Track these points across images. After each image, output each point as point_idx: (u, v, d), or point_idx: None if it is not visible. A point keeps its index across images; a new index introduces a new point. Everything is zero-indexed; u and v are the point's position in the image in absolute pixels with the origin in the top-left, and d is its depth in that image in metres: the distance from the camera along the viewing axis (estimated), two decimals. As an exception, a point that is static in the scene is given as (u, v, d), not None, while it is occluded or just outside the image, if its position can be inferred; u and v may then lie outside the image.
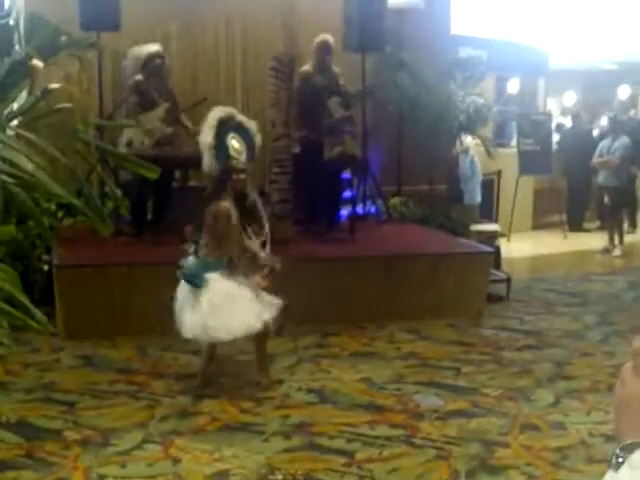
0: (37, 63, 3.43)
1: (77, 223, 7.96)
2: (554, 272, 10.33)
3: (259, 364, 5.68)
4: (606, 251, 11.63)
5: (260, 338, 5.54)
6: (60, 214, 7.95)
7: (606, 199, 11.82)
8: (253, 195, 5.74)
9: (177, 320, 5.40)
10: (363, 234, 8.33)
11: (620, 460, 1.04)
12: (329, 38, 8.35)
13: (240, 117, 5.71)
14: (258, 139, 5.75)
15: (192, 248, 5.45)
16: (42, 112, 2.88)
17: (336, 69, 8.45)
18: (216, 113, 5.60)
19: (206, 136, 5.53)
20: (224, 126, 5.56)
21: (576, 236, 12.90)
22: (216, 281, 5.32)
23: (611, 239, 11.66)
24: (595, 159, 11.90)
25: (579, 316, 7.82)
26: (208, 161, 5.54)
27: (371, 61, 9.52)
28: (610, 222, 11.93)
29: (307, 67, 8.35)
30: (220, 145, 5.49)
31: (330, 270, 7.20)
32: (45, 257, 7.17)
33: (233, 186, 5.51)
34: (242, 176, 5.55)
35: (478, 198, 11.35)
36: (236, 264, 5.40)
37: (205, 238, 5.44)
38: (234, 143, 5.52)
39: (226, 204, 5.38)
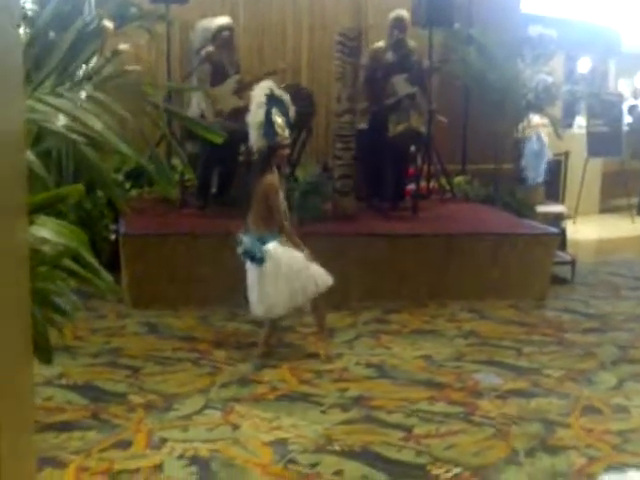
0: (107, 24, 3.47)
1: (143, 194, 8.08)
2: (620, 256, 10.16)
3: (318, 334, 5.79)
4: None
5: (318, 307, 5.63)
6: (127, 185, 8.06)
7: None
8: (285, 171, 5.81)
9: (248, 298, 5.56)
10: (426, 212, 8.29)
11: None
12: (402, 14, 8.28)
13: (277, 90, 5.67)
14: (292, 112, 5.69)
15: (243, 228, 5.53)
16: (111, 73, 2.92)
17: (412, 44, 8.37)
18: (262, 90, 5.57)
19: (256, 115, 5.50)
20: (269, 102, 5.55)
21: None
22: (276, 250, 5.40)
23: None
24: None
25: (644, 300, 7.69)
26: (257, 139, 5.54)
27: (439, 36, 9.43)
28: None
29: (380, 43, 8.29)
30: (268, 122, 5.49)
31: (393, 247, 7.18)
32: (112, 226, 7.28)
33: (278, 162, 5.55)
34: (285, 151, 5.64)
35: (540, 179, 11.16)
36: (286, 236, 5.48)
37: (255, 214, 5.53)
38: (277, 118, 5.51)
39: (274, 178, 5.44)
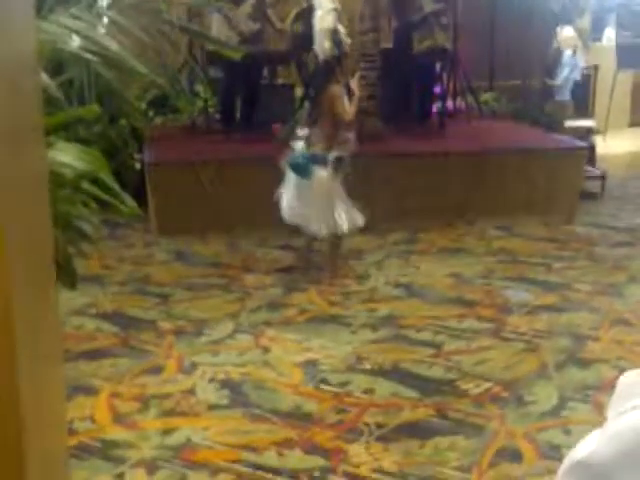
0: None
1: (167, 122, 8.04)
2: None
3: (331, 265, 5.78)
4: None
5: (338, 241, 5.65)
6: (151, 113, 8.02)
7: None
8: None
9: (280, 204, 5.54)
10: (453, 130, 8.18)
11: None
12: None
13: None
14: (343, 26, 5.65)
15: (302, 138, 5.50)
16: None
17: None
18: (330, 1, 5.49)
19: (325, 21, 5.39)
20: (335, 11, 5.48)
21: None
22: (322, 177, 5.37)
23: None
24: None
25: (676, 212, 7.61)
26: (328, 46, 5.41)
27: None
28: None
29: None
30: (335, 30, 5.39)
31: (419, 166, 7.11)
32: (137, 155, 7.26)
33: (342, 71, 5.45)
34: (348, 60, 5.56)
35: (567, 95, 10.90)
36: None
37: (320, 130, 5.44)
38: (340, 28, 5.43)
39: (339, 88, 5.38)
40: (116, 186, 2.69)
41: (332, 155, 5.38)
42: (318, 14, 5.43)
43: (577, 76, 10.86)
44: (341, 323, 4.92)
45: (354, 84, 5.49)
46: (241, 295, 5.40)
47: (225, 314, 5.04)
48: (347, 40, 5.42)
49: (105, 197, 2.61)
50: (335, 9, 5.46)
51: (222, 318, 4.98)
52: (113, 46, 2.52)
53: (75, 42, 2.56)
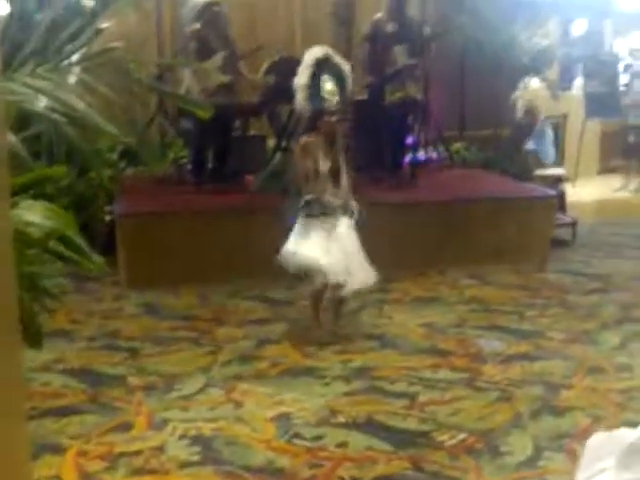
0: (88, 2, 3.40)
1: (138, 173, 8.03)
2: (620, 216, 10.10)
3: (336, 320, 5.67)
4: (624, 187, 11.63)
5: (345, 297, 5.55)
6: (122, 164, 8.01)
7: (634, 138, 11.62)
8: (340, 142, 5.49)
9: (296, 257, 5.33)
10: (425, 179, 8.22)
11: None
12: None
13: (336, 58, 5.52)
14: (350, 82, 5.56)
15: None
16: (94, 52, 2.86)
17: (412, 14, 8.26)
18: (313, 53, 5.46)
19: (301, 76, 5.39)
20: (319, 67, 5.44)
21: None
22: (345, 228, 5.34)
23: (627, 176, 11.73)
24: (625, 99, 11.65)
25: (646, 259, 7.65)
26: (301, 101, 5.42)
27: (431, 2, 9.33)
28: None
29: (380, 14, 8.18)
30: (314, 86, 5.38)
31: (392, 216, 7.13)
32: (107, 207, 7.23)
33: (324, 128, 5.35)
34: (332, 118, 5.36)
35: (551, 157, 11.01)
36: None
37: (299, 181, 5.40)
38: (327, 85, 5.39)
39: (307, 141, 5.34)
40: (83, 243, 2.66)
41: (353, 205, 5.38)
42: (299, 70, 5.44)
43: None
44: (314, 375, 4.87)
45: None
46: (212, 348, 5.33)
47: (196, 368, 4.98)
48: (331, 99, 5.34)
49: (72, 255, 2.58)
50: (325, 64, 5.42)
51: (193, 372, 4.91)
52: (80, 105, 2.50)
53: (42, 102, 2.54)
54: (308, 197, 5.31)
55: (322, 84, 5.34)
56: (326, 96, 5.32)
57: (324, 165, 5.29)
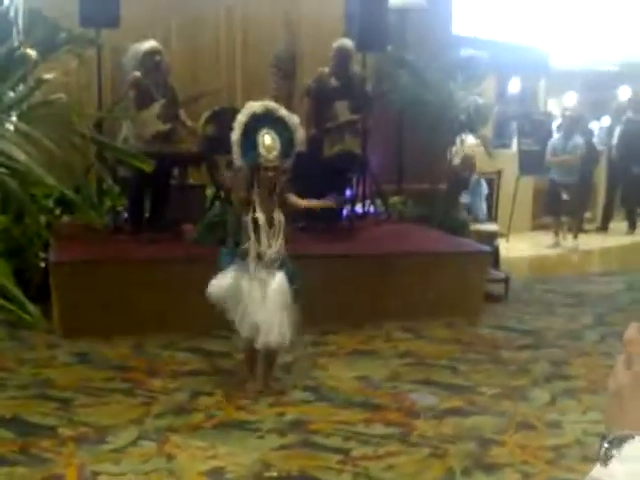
0: (30, 52, 3.40)
1: (75, 220, 7.95)
2: (552, 272, 10.32)
3: (268, 372, 5.63)
4: (557, 244, 11.99)
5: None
6: (58, 211, 7.94)
7: (565, 196, 11.92)
8: (284, 197, 5.44)
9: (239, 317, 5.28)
10: (362, 232, 8.32)
11: (609, 453, 1.01)
12: (345, 44, 8.25)
13: (281, 112, 5.47)
14: (299, 135, 5.53)
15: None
16: (36, 103, 2.87)
17: (357, 72, 8.39)
18: (250, 107, 5.47)
19: (235, 131, 5.41)
20: (258, 121, 5.43)
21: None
22: (278, 282, 5.29)
23: (557, 234, 12.11)
24: (550, 157, 11.98)
25: (577, 316, 7.80)
26: (235, 157, 5.44)
27: (372, 60, 9.51)
28: (571, 218, 12.28)
29: (324, 68, 8.29)
30: (249, 141, 5.39)
31: (328, 268, 7.17)
32: (42, 254, 7.15)
33: (261, 183, 5.32)
34: (270, 173, 5.31)
35: (482, 215, 11.22)
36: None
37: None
38: (266, 139, 5.31)
39: (232, 177, 5.41)
40: (20, 294, 2.64)
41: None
42: (235, 124, 5.45)
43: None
44: (248, 429, 4.85)
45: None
46: (146, 400, 5.28)
47: (129, 420, 4.92)
48: (268, 155, 5.29)
49: (9, 306, 2.56)
50: (265, 118, 5.43)
51: (126, 424, 4.85)
52: (21, 156, 2.50)
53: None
54: (244, 246, 5.32)
55: (260, 138, 5.35)
56: (262, 151, 5.32)
57: (262, 216, 5.31)
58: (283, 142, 5.37)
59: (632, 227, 13.69)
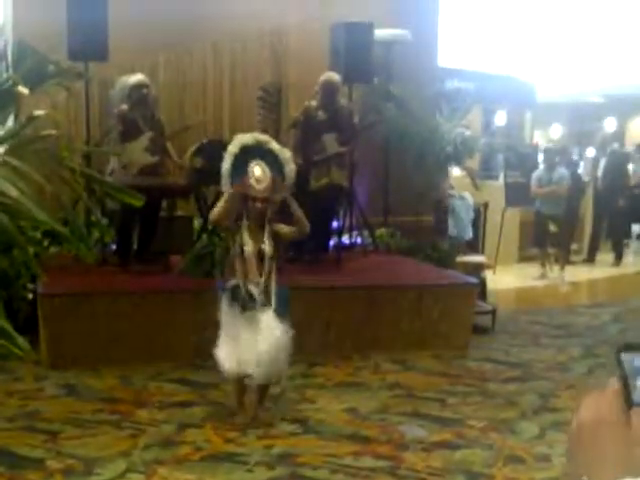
0: (22, 90, 3.43)
1: (63, 251, 7.94)
2: (540, 304, 10.36)
3: (259, 403, 5.60)
4: (544, 276, 12.08)
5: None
6: (46, 243, 7.93)
7: (552, 227, 12.00)
8: (275, 228, 5.42)
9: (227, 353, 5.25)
10: (349, 264, 8.34)
11: None
12: (332, 77, 8.30)
13: (272, 145, 5.52)
14: (290, 168, 5.55)
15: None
16: (27, 138, 2.88)
17: (344, 104, 8.44)
18: (240, 139, 5.48)
19: (225, 161, 5.42)
20: (248, 152, 5.44)
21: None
22: (268, 319, 5.27)
23: (543, 265, 12.19)
24: (536, 189, 12.07)
25: (564, 348, 7.82)
26: (224, 187, 5.44)
27: (358, 92, 9.58)
28: (558, 249, 12.36)
29: (311, 102, 8.34)
30: (238, 172, 5.40)
31: (315, 300, 7.19)
32: (30, 286, 7.13)
33: (250, 214, 5.31)
34: (258, 205, 5.30)
35: (469, 234, 11.37)
36: None
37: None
38: (256, 170, 5.32)
39: (217, 210, 5.36)
40: (10, 328, 2.65)
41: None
42: (225, 155, 5.47)
43: (470, 221, 11.40)
44: (236, 461, 4.83)
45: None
46: (134, 432, 5.25)
47: (117, 452, 4.89)
48: (256, 186, 5.28)
49: (-1, 341, 2.57)
50: (255, 150, 5.44)
51: (113, 456, 4.82)
52: (13, 192, 2.52)
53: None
54: (232, 283, 5.31)
55: (250, 169, 5.36)
56: (252, 182, 5.32)
57: (249, 248, 5.31)
58: (274, 175, 5.39)
59: (618, 258, 13.77)
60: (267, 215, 5.36)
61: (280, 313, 5.34)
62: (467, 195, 11.33)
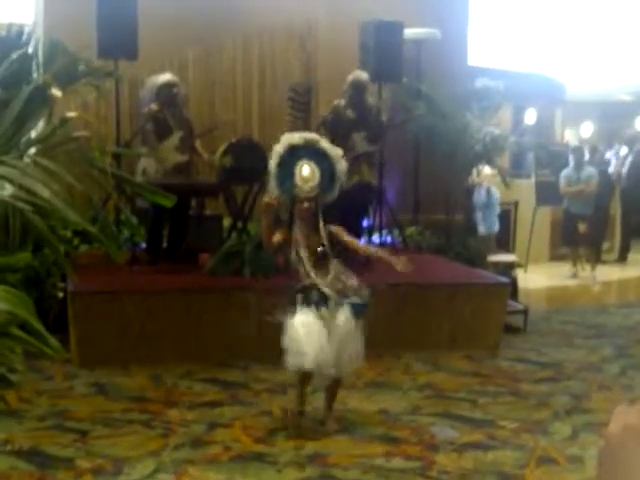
0: (55, 92, 3.42)
1: (93, 250, 7.97)
2: (571, 304, 10.26)
3: (331, 403, 5.50)
4: (575, 275, 11.98)
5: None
6: (76, 241, 7.95)
7: (582, 227, 11.86)
8: (330, 230, 5.27)
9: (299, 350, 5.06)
10: (379, 263, 8.28)
11: None
12: (361, 76, 8.28)
13: (322, 144, 5.36)
14: (341, 167, 5.37)
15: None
16: (59, 140, 2.88)
17: (371, 102, 8.41)
18: (287, 139, 5.39)
19: (271, 162, 5.34)
20: (296, 152, 5.36)
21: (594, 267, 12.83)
22: (346, 316, 5.20)
23: (575, 265, 12.08)
24: (564, 188, 11.95)
25: (597, 349, 7.74)
26: (271, 188, 5.36)
27: (387, 91, 9.55)
28: (588, 249, 12.26)
29: (340, 101, 8.31)
30: (285, 172, 5.29)
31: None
32: (60, 284, 7.16)
33: (298, 216, 5.18)
34: (305, 205, 5.17)
35: (495, 228, 11.35)
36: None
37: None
38: (304, 170, 5.18)
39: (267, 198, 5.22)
40: (42, 328, 2.64)
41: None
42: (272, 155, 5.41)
43: (496, 214, 11.33)
44: (266, 461, 4.80)
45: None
46: (163, 431, 5.24)
47: (147, 452, 4.88)
48: (303, 186, 5.14)
49: (31, 340, 2.56)
50: (303, 150, 5.35)
51: (143, 456, 4.82)
52: (45, 193, 2.51)
53: (7, 190, 2.55)
54: (303, 284, 5.15)
55: (298, 169, 5.26)
56: (299, 182, 5.23)
57: (305, 252, 5.14)
58: (323, 174, 5.29)
59: None
60: (318, 215, 5.21)
61: (357, 312, 5.24)
62: (493, 189, 11.28)
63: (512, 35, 14.97)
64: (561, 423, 5.60)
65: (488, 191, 11.24)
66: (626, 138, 14.89)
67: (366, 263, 8.15)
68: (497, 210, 11.47)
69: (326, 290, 5.12)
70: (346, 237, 5.35)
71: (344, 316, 5.17)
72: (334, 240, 5.25)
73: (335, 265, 5.22)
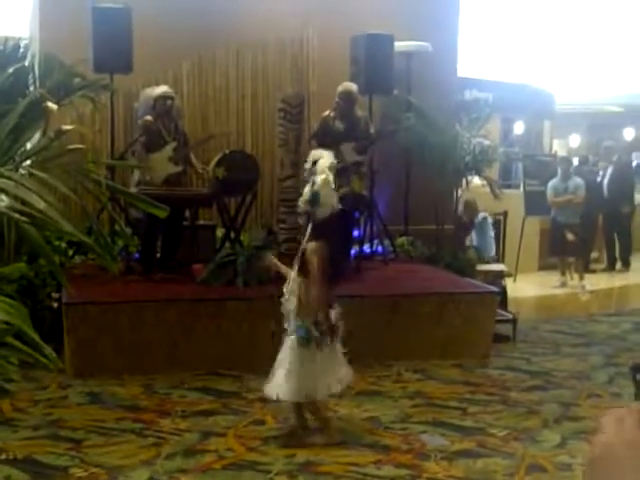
0: (51, 105, 3.49)
1: (87, 261, 8.03)
2: (560, 313, 10.34)
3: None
4: (564, 285, 12.04)
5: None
6: (70, 252, 8.02)
7: (570, 236, 11.91)
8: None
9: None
10: (370, 273, 8.37)
11: None
12: (350, 88, 8.38)
13: (317, 167, 5.61)
14: (324, 191, 5.65)
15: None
16: (55, 152, 2.94)
17: (360, 114, 8.49)
18: (327, 160, 5.54)
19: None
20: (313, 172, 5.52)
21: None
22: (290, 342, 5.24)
23: (563, 274, 12.15)
24: (553, 199, 12.02)
25: (585, 357, 7.82)
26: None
27: (378, 103, 9.63)
28: (576, 258, 12.29)
29: (329, 112, 8.40)
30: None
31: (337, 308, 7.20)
32: (55, 295, 7.21)
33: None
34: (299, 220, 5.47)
35: (493, 252, 11.30)
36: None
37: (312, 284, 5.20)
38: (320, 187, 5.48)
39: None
40: (37, 337, 2.69)
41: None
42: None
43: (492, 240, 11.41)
44: (259, 470, 4.86)
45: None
46: (157, 440, 5.30)
47: (140, 461, 4.94)
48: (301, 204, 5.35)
49: (26, 350, 2.62)
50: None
51: (137, 465, 4.87)
52: (41, 205, 2.57)
53: (2, 202, 2.61)
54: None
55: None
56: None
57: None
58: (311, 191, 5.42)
59: (626, 265, 13.74)
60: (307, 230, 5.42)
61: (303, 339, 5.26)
62: (489, 219, 11.33)
63: (501, 47, 15.09)
64: (550, 431, 5.67)
65: (484, 220, 11.24)
66: (602, 151, 14.91)
67: (358, 271, 8.25)
68: (491, 234, 11.46)
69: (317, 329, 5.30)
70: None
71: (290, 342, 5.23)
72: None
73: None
